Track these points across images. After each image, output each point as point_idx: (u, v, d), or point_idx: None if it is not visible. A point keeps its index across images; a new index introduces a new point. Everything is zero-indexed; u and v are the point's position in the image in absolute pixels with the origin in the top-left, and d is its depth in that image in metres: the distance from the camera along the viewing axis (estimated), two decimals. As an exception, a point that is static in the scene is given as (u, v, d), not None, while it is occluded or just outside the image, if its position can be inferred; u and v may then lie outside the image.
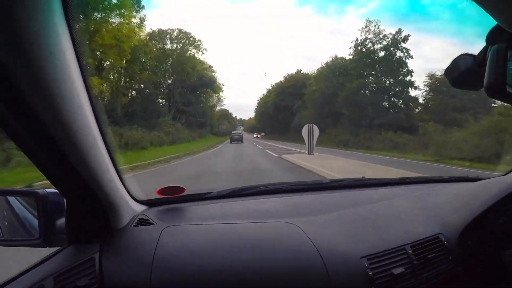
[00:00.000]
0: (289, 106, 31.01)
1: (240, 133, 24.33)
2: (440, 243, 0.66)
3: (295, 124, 27.59)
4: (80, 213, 0.52)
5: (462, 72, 0.41)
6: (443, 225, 0.71)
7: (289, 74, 36.09)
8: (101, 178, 0.48)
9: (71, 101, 0.37)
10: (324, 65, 24.63)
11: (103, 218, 0.55)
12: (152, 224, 0.62)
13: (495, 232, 0.77)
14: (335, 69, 22.53)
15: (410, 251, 0.61)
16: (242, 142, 19.85)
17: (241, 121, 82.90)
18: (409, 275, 0.59)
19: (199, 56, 25.80)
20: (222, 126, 42.22)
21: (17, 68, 0.31)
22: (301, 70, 35.90)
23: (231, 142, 19.80)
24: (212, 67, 29.97)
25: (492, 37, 0.37)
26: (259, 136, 36.28)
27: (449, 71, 0.42)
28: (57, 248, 0.54)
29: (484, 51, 0.38)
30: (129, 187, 0.63)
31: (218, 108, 41.06)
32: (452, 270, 0.66)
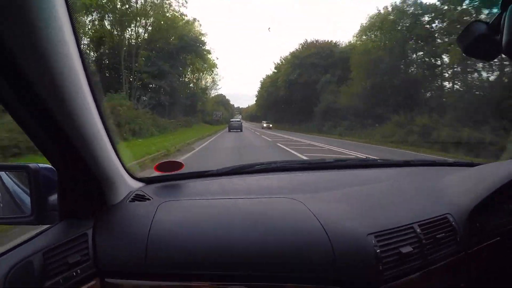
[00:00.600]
0: (310, 83, 30.36)
1: (239, 121, 28.77)
2: (449, 223, 0.91)
3: (323, 109, 26.74)
4: (74, 188, 0.75)
5: (475, 39, 0.56)
6: (451, 206, 0.96)
7: (307, 40, 35.44)
8: (96, 151, 0.69)
9: (68, 76, 0.54)
10: (381, 11, 21.81)
11: (97, 193, 0.78)
12: (148, 199, 0.86)
13: (503, 216, 1.04)
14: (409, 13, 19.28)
15: (419, 230, 0.85)
16: (241, 131, 25.90)
17: (239, 110, 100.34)
18: (418, 254, 0.81)
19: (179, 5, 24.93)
20: (217, 113, 46.41)
21: (16, 42, 0.45)
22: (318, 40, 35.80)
23: (229, 131, 25.77)
24: (198, 21, 28.32)
25: (506, 2, 0.51)
26: (270, 125, 37.34)
27: (462, 38, 0.59)
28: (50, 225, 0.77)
29: (498, 17, 0.53)
30: (126, 163, 0.87)
31: (213, 93, 43.74)
32: (460, 252, 0.90)
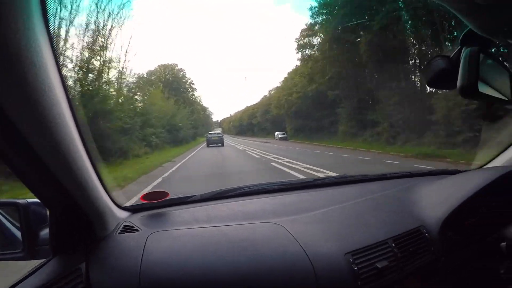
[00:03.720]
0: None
1: (219, 133, 26.08)
2: (422, 235, 0.98)
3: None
4: (64, 223, 0.76)
5: (437, 72, 0.63)
6: (424, 218, 1.04)
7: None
8: (84, 187, 0.71)
9: (51, 109, 0.56)
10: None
11: (87, 227, 0.80)
12: (137, 230, 0.88)
13: (475, 223, 1.11)
14: None
15: (393, 245, 0.91)
16: (222, 145, 22.36)
17: (219, 123, 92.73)
18: (394, 268, 0.87)
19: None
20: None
21: None
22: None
23: (208, 146, 22.13)
24: None
25: (465, 39, 0.60)
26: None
27: (425, 71, 0.65)
28: (43, 260, 0.78)
29: (458, 52, 0.60)
30: (112, 193, 0.89)
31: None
32: (435, 261, 0.96)
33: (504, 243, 1.06)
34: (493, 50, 0.59)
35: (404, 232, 0.97)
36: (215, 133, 26.42)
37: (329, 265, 0.81)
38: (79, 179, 0.69)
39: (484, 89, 0.57)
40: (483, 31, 0.52)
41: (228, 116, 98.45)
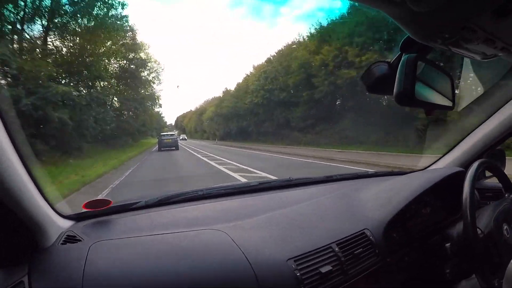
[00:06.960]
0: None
1: (173, 134, 24.21)
2: (366, 238, 1.00)
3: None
4: (2, 235, 0.72)
5: (377, 78, 0.64)
6: (368, 221, 1.05)
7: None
8: (19, 196, 0.67)
9: None
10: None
11: (28, 238, 0.75)
12: (79, 240, 0.84)
13: (420, 223, 1.15)
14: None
15: (337, 249, 0.92)
16: (177, 149, 20.45)
17: (177, 126, 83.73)
18: (338, 271, 0.88)
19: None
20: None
21: None
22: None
23: (160, 150, 20.26)
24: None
25: (405, 45, 0.60)
26: None
27: (365, 77, 0.66)
28: None
29: (398, 58, 0.60)
30: (53, 202, 0.84)
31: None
32: (380, 262, 0.98)
33: (448, 244, 1.09)
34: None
35: (348, 235, 0.97)
36: (167, 134, 23.60)
37: (271, 272, 0.80)
38: (12, 190, 0.65)
39: (421, 96, 0.58)
40: (421, 38, 0.51)
41: (189, 110, 76.53)
